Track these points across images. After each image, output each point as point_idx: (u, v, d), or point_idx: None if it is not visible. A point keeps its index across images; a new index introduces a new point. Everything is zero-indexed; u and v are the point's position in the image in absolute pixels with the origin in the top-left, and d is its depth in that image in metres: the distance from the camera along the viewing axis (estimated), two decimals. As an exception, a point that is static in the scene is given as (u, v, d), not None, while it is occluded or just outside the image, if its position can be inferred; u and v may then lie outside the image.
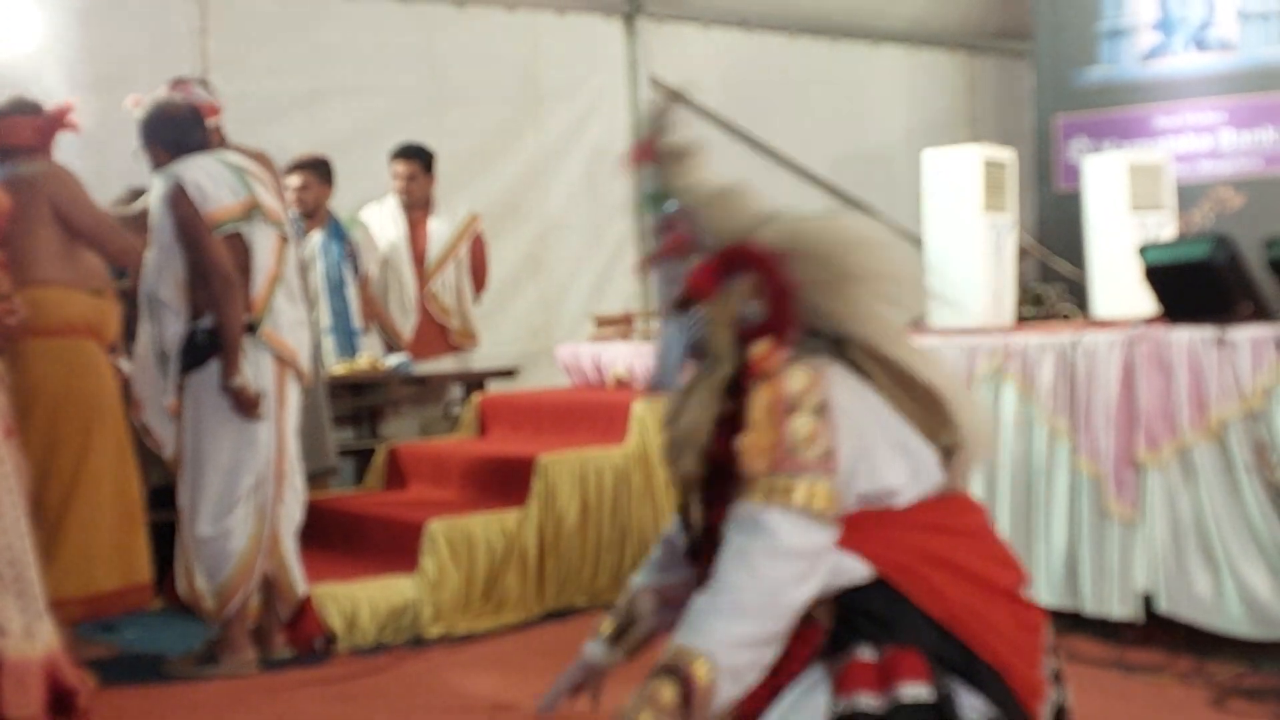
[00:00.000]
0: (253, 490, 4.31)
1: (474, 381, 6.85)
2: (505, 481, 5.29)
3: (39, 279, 4.34)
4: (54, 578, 4.22)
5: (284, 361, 4.37)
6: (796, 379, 2.14)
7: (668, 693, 2.08)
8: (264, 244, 4.35)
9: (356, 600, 4.64)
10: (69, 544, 4.34)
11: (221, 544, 4.26)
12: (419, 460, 5.97)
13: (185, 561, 4.34)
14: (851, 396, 2.18)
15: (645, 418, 5.36)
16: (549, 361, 7.02)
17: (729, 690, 2.09)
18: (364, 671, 4.28)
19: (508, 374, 6.93)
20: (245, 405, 4.25)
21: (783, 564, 2.08)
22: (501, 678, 4.16)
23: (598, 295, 7.89)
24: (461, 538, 4.90)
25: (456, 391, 6.97)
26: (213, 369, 4.26)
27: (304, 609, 4.50)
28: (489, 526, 4.98)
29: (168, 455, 4.43)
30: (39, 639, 3.70)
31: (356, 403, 6.47)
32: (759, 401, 2.14)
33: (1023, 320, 6.84)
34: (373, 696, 4.00)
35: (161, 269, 4.29)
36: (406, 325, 6.70)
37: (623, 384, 6.13)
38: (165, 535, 4.57)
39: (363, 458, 6.40)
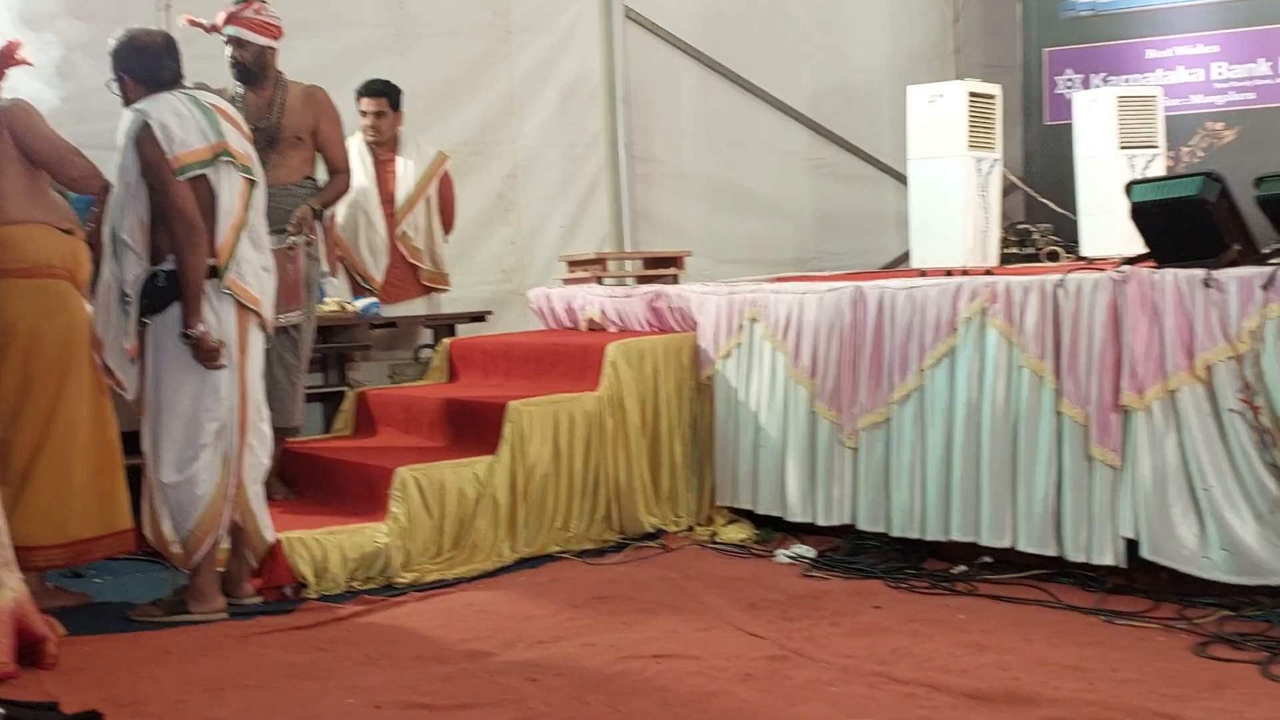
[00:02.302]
0: (216, 437, 4.37)
1: (444, 325, 6.90)
2: (476, 427, 5.37)
3: (9, 218, 4.38)
4: (27, 524, 4.30)
5: (247, 309, 4.41)
6: None
7: None
8: (230, 188, 4.38)
9: (326, 547, 4.72)
10: (42, 490, 4.41)
11: (188, 491, 4.33)
12: (388, 405, 6.04)
13: (150, 508, 4.40)
14: None
15: (618, 362, 5.43)
16: (520, 304, 7.10)
17: None
18: (334, 619, 4.37)
19: (478, 318, 6.98)
20: (206, 354, 4.30)
21: None
22: (473, 625, 4.25)
23: (570, 236, 7.94)
24: (432, 484, 4.99)
25: (426, 335, 7.02)
26: (173, 314, 4.31)
27: (273, 556, 4.59)
28: (460, 473, 5.06)
29: (130, 398, 4.48)
30: (6, 588, 3.79)
31: (325, 346, 6.52)
32: None
33: (1008, 260, 6.95)
34: (343, 644, 4.09)
35: (125, 208, 4.32)
36: (377, 268, 6.73)
37: (595, 327, 6.20)
38: (134, 481, 4.63)
39: (331, 402, 6.47)
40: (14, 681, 3.70)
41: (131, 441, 4.59)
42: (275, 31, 5.41)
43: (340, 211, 6.66)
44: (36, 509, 4.40)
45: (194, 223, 4.27)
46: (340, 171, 5.61)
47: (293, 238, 5.23)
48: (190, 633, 4.25)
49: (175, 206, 4.25)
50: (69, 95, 5.77)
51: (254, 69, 5.41)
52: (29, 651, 3.86)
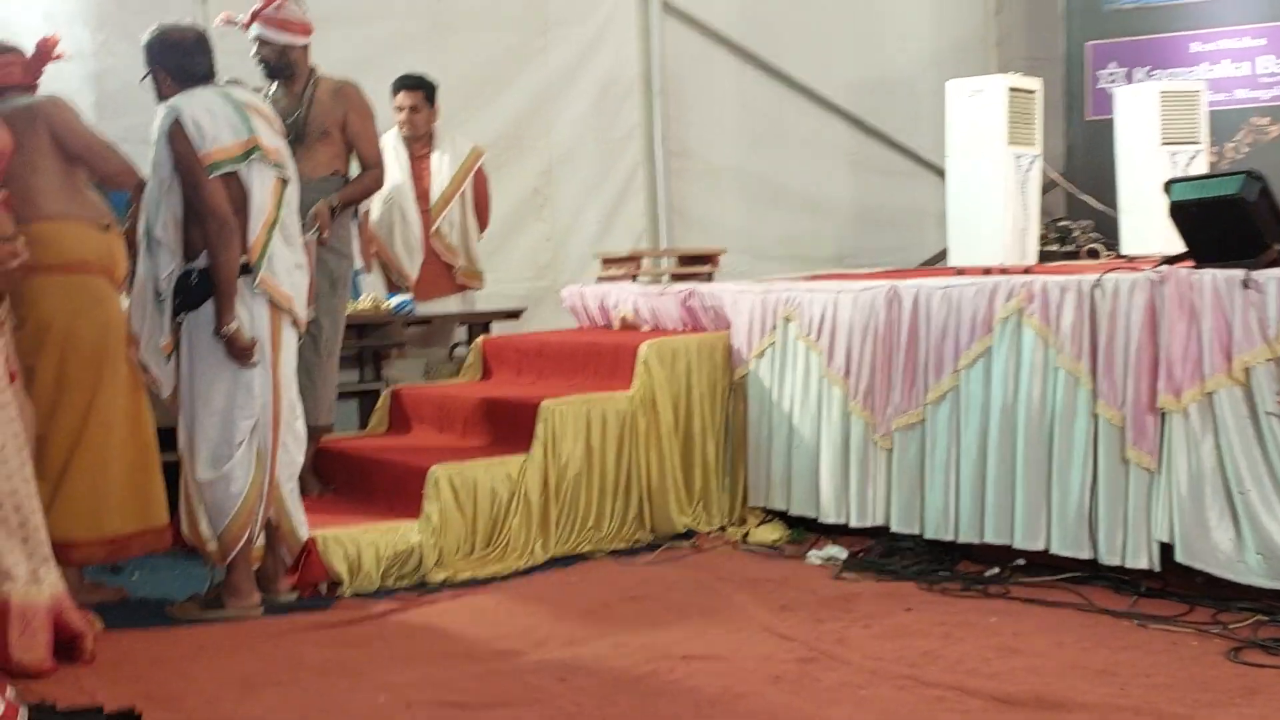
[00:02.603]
0: (250, 435, 4.45)
1: (479, 322, 6.97)
2: (509, 426, 5.43)
3: (47, 215, 4.46)
4: (65, 520, 4.40)
5: (279, 307, 4.49)
6: None
7: None
8: (261, 186, 4.44)
9: (361, 545, 4.81)
10: (79, 486, 4.50)
11: (223, 488, 4.41)
12: (422, 403, 6.12)
13: (188, 504, 4.49)
14: None
15: (651, 361, 5.49)
16: (555, 301, 7.15)
17: None
18: (367, 617, 4.45)
19: (513, 315, 7.05)
20: (239, 352, 4.37)
21: None
22: (505, 624, 4.31)
23: (605, 232, 7.99)
24: (465, 483, 5.06)
25: (461, 333, 7.10)
26: (207, 311, 4.38)
27: (308, 553, 4.67)
28: (492, 472, 5.13)
29: (164, 395, 4.56)
30: (45, 584, 3.88)
31: (360, 344, 6.61)
32: None
33: (1047, 257, 6.94)
34: (376, 642, 4.17)
35: (159, 204, 4.40)
36: (411, 265, 6.80)
37: (629, 325, 6.26)
38: (171, 477, 4.72)
39: (366, 400, 6.55)
40: (51, 677, 3.80)
41: (168, 438, 4.68)
42: (298, 28, 5.46)
43: (375, 208, 6.74)
44: (74, 505, 4.49)
45: (225, 220, 4.34)
46: (371, 167, 5.66)
47: (306, 234, 5.30)
48: (226, 629, 4.34)
49: (207, 203, 4.33)
50: (105, 90, 5.92)
51: (278, 66, 5.48)
52: (66, 647, 3.95)
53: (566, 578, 4.94)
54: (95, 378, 4.56)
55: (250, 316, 4.41)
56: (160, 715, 3.47)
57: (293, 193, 4.60)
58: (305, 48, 5.53)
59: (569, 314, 6.83)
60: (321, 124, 5.48)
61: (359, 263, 6.39)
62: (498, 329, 6.99)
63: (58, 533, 4.29)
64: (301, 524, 4.67)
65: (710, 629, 4.16)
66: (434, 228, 6.82)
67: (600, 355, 5.81)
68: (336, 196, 5.44)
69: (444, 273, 6.90)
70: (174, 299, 4.41)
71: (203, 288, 4.37)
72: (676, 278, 6.64)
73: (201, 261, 4.38)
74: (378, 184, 5.79)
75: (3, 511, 3.82)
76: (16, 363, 4.10)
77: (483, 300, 7.16)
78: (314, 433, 5.41)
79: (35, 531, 3.90)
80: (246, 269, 4.39)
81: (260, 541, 4.60)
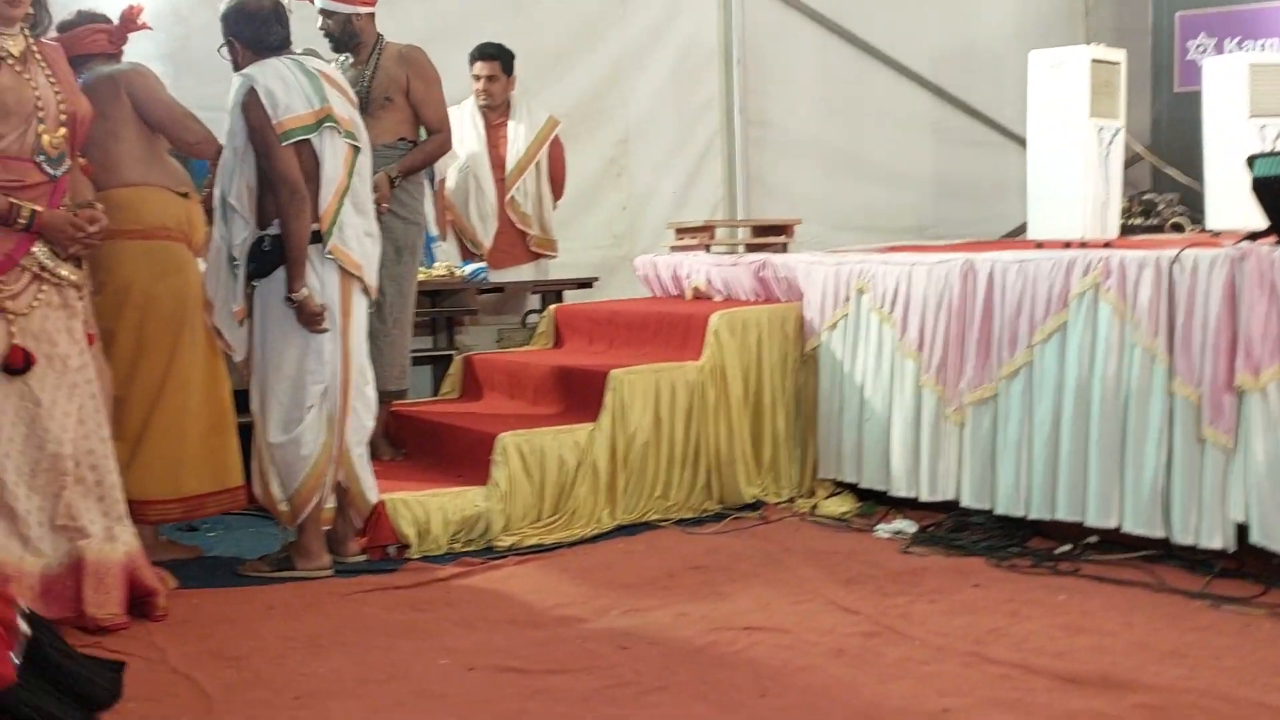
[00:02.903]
0: (321, 399, 4.50)
1: (552, 291, 6.99)
2: (579, 394, 5.45)
3: (128, 181, 4.56)
4: (142, 479, 4.50)
5: (350, 274, 4.53)
6: None
7: None
8: (334, 154, 4.48)
9: (429, 509, 4.86)
10: (157, 446, 4.60)
11: (293, 451, 4.48)
12: (494, 370, 6.15)
13: (259, 466, 4.57)
14: None
15: (721, 332, 5.47)
16: (628, 271, 7.15)
17: None
18: (433, 580, 4.50)
19: (586, 284, 7.06)
20: (309, 318, 4.43)
21: None
22: (569, 591, 4.34)
23: (682, 202, 7.98)
24: (533, 450, 5.09)
25: (534, 301, 7.13)
26: (279, 278, 4.44)
27: (377, 516, 4.73)
28: (561, 439, 5.15)
29: (237, 360, 4.63)
30: (119, 541, 3.97)
31: (433, 310, 6.66)
32: None
33: (1131, 231, 6.83)
34: (442, 605, 4.21)
35: (233, 173, 4.46)
36: (485, 233, 6.84)
37: (701, 296, 6.24)
38: (246, 439, 4.80)
39: (439, 366, 6.61)
40: (124, 632, 3.89)
41: (243, 400, 4.75)
42: None
43: (450, 176, 6.79)
44: (151, 465, 4.59)
45: (298, 188, 4.39)
46: (436, 131, 5.66)
47: None
48: (295, 589, 4.42)
49: (279, 171, 4.38)
50: (185, 59, 5.99)
51: (342, 37, 5.51)
52: (140, 603, 4.04)
53: (632, 546, 4.95)
54: (173, 341, 4.64)
55: (321, 283, 4.46)
56: (228, 673, 3.54)
57: (365, 161, 4.64)
58: (370, 16, 5.55)
59: (642, 283, 6.83)
60: (385, 90, 5.50)
61: (434, 230, 6.44)
62: (570, 298, 7.01)
63: (135, 492, 4.38)
64: (371, 488, 4.72)
65: (774, 600, 4.15)
66: (508, 196, 6.85)
67: (671, 325, 5.81)
68: (396, 166, 5.45)
69: (518, 241, 6.94)
70: (247, 266, 4.47)
71: (275, 255, 4.43)
72: (750, 248, 6.61)
73: (274, 229, 4.43)
74: (442, 149, 5.78)
75: (79, 470, 3.90)
76: (95, 326, 4.19)
77: (556, 269, 7.18)
78: (385, 398, 5.47)
79: (111, 490, 3.99)
80: (318, 236, 4.44)
81: (330, 504, 4.66)
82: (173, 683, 3.45)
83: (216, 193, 4.51)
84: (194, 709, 3.27)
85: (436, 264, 6.49)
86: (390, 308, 5.52)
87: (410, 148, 5.60)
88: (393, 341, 5.59)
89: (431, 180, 6.45)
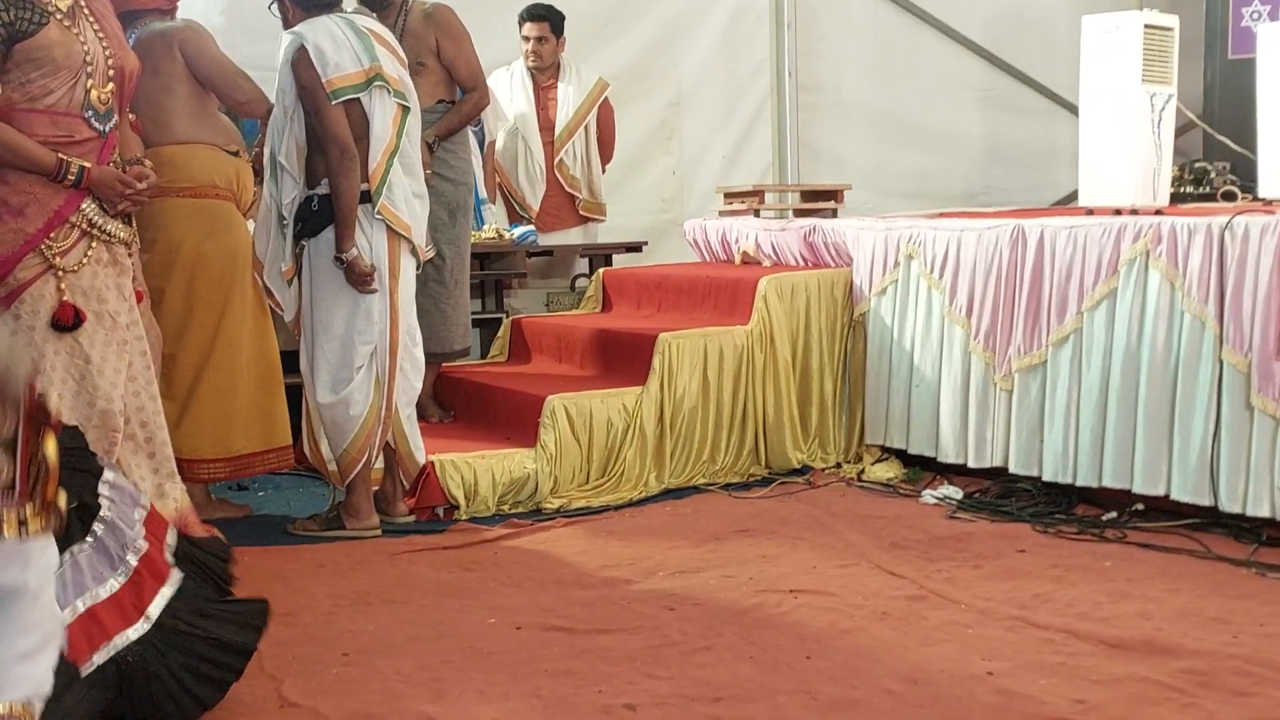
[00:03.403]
0: (369, 360, 4.54)
1: (601, 254, 7.01)
2: (626, 358, 5.47)
3: (178, 138, 4.60)
4: (192, 438, 4.56)
5: (398, 235, 4.55)
6: None
7: None
8: (383, 114, 4.49)
9: (477, 471, 4.90)
10: (206, 405, 4.66)
11: (342, 411, 4.52)
12: (542, 333, 6.18)
13: (309, 426, 4.62)
14: None
15: (770, 296, 5.47)
16: (677, 235, 7.15)
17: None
18: (481, 541, 4.54)
19: (635, 248, 7.06)
20: (358, 278, 4.45)
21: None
22: (615, 553, 4.37)
23: (732, 167, 7.96)
24: (581, 413, 5.12)
25: (583, 264, 7.14)
26: (328, 238, 4.47)
27: (425, 477, 4.78)
28: (608, 403, 5.18)
29: (288, 319, 4.67)
30: (169, 499, 4.01)
31: (482, 273, 6.69)
32: None
33: (1181, 199, 6.75)
34: (490, 565, 4.25)
35: (283, 131, 4.48)
36: (534, 196, 6.85)
37: (749, 260, 6.24)
38: (294, 399, 4.85)
39: (488, 328, 6.65)
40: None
41: (291, 361, 4.80)
42: None
43: (500, 139, 6.80)
44: (201, 423, 4.65)
45: (347, 147, 4.41)
46: (472, 90, 5.60)
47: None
48: (344, 548, 4.47)
49: (328, 130, 4.40)
50: (237, 17, 6.02)
51: None
52: (192, 560, 4.10)
53: (679, 509, 4.98)
54: (223, 300, 4.69)
55: (369, 244, 4.48)
56: (278, 630, 3.57)
57: (414, 122, 4.65)
58: None
59: (691, 248, 6.83)
60: (416, 54, 5.37)
61: (483, 193, 6.45)
62: (619, 261, 7.03)
63: (185, 450, 4.45)
64: (419, 449, 4.77)
65: (820, 564, 4.16)
66: (557, 159, 6.85)
67: (720, 289, 5.81)
68: (432, 131, 5.42)
69: (567, 204, 6.95)
70: (295, 225, 4.50)
71: (323, 214, 4.45)
72: (799, 213, 6.60)
73: (322, 188, 4.46)
74: (479, 108, 5.71)
75: (129, 428, 3.95)
76: (144, 284, 4.23)
77: (605, 233, 7.19)
78: (450, 357, 5.52)
79: (161, 448, 4.03)
80: (366, 196, 4.46)
81: (379, 464, 4.71)
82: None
83: (266, 151, 4.54)
84: (246, 663, 3.32)
85: (486, 226, 6.51)
86: (451, 269, 5.55)
87: (449, 109, 5.56)
88: (456, 303, 5.63)
89: (481, 142, 6.46)
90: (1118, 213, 5.20)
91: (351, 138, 4.41)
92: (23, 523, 2.33)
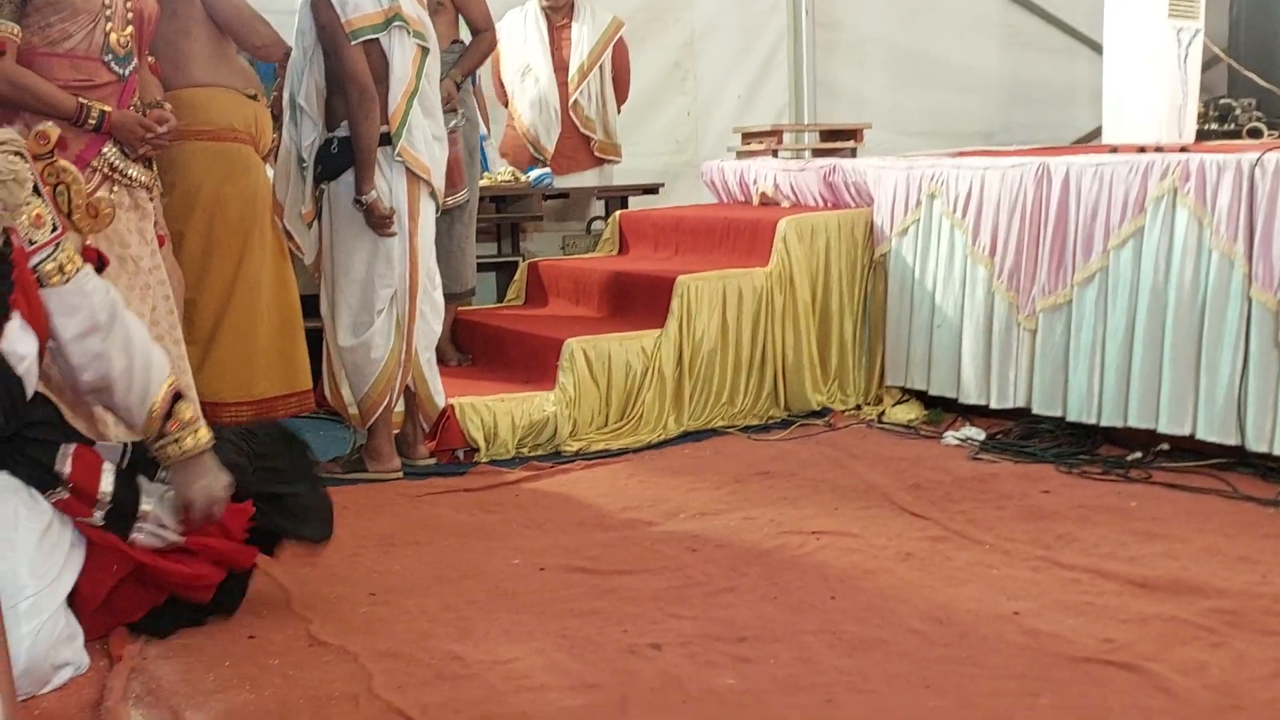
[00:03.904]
0: (390, 304, 4.54)
1: (616, 197, 6.98)
2: (644, 300, 5.47)
3: (195, 81, 4.57)
4: (214, 381, 4.57)
5: (418, 177, 4.53)
6: None
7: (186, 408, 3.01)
8: (402, 54, 4.46)
9: (497, 414, 4.91)
10: (228, 349, 4.67)
11: (363, 355, 4.53)
12: (559, 276, 6.17)
13: (329, 370, 4.62)
14: None
15: (789, 237, 5.45)
16: (694, 176, 7.12)
17: None
18: (502, 483, 4.56)
19: (651, 190, 7.04)
20: (378, 221, 4.44)
21: None
22: (636, 495, 4.38)
23: (747, 107, 7.91)
24: (600, 356, 5.12)
25: (598, 207, 7.12)
26: (347, 181, 4.45)
27: (445, 420, 4.79)
28: (627, 345, 5.18)
29: (307, 262, 4.67)
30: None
31: (498, 216, 6.67)
32: None
33: (1206, 136, 6.70)
34: (511, 508, 4.27)
35: (303, 73, 4.46)
36: (549, 138, 6.82)
37: (768, 201, 6.21)
38: (313, 343, 4.86)
39: (504, 272, 6.64)
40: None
41: (311, 304, 4.80)
42: None
43: (514, 80, 6.75)
44: (223, 367, 4.66)
45: (366, 88, 4.38)
46: (483, 30, 5.59)
47: (453, 120, 5.31)
48: (367, 490, 4.49)
49: (348, 71, 4.37)
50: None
51: None
52: (215, 503, 4.12)
53: (698, 452, 4.99)
54: (242, 244, 4.68)
55: (389, 187, 4.46)
56: (304, 570, 3.60)
57: (433, 63, 4.62)
58: None
59: (707, 189, 6.80)
60: None
61: (483, 129, 6.42)
62: (635, 204, 7.00)
63: (207, 394, 4.46)
64: (438, 392, 4.78)
65: (841, 505, 4.17)
66: (572, 100, 6.81)
67: (738, 231, 5.79)
68: (457, 70, 5.40)
69: (582, 146, 6.91)
70: (315, 168, 4.49)
71: (343, 157, 4.44)
72: (818, 153, 6.56)
73: (342, 131, 4.44)
74: (492, 46, 5.73)
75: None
76: (165, 227, 4.23)
77: (620, 175, 7.16)
78: (461, 298, 5.52)
79: (186, 390, 4.04)
80: (386, 139, 4.44)
81: (399, 407, 4.72)
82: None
83: (285, 94, 4.52)
84: (273, 603, 3.34)
85: (502, 170, 6.49)
86: (470, 210, 5.55)
87: (462, 49, 5.56)
88: (470, 241, 5.64)
89: (473, 79, 6.44)
90: (1142, 150, 5.16)
91: (371, 79, 4.38)
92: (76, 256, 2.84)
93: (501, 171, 6.47)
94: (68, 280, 2.86)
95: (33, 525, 2.82)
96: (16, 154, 2.70)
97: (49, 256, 2.83)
